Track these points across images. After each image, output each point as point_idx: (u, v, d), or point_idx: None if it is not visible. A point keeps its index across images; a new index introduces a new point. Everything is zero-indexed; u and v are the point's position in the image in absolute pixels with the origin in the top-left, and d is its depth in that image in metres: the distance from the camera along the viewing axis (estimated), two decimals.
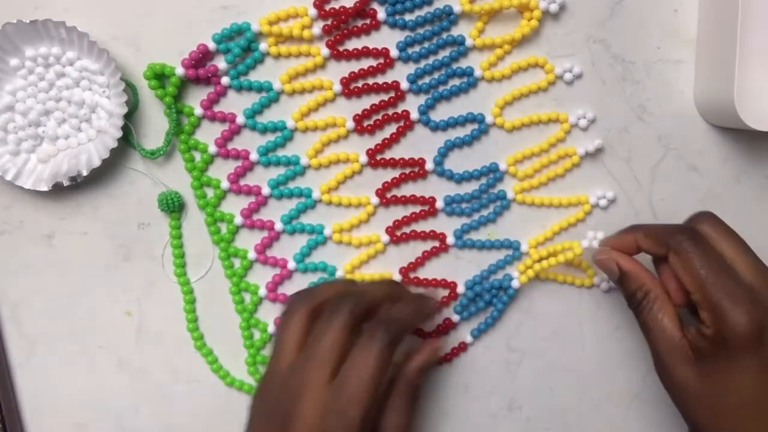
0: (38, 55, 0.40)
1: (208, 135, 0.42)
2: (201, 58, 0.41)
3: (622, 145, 0.44)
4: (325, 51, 0.41)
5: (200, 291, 0.44)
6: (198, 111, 0.41)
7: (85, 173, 0.40)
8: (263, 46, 0.41)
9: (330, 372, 0.34)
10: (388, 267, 0.44)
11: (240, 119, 0.42)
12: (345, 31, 0.41)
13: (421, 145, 0.43)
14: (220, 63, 0.41)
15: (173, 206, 0.42)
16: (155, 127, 0.42)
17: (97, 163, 0.40)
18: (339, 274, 0.44)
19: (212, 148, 0.42)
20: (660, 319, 0.37)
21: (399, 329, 0.36)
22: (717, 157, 0.45)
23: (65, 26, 0.39)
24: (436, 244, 0.44)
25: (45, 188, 0.40)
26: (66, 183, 0.40)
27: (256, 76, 0.42)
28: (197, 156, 0.42)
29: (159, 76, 0.40)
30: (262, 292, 0.44)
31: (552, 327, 0.46)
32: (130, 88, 0.41)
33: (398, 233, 0.44)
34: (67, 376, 0.44)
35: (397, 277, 0.44)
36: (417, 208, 0.44)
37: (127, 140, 0.41)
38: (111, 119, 0.40)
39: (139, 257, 0.43)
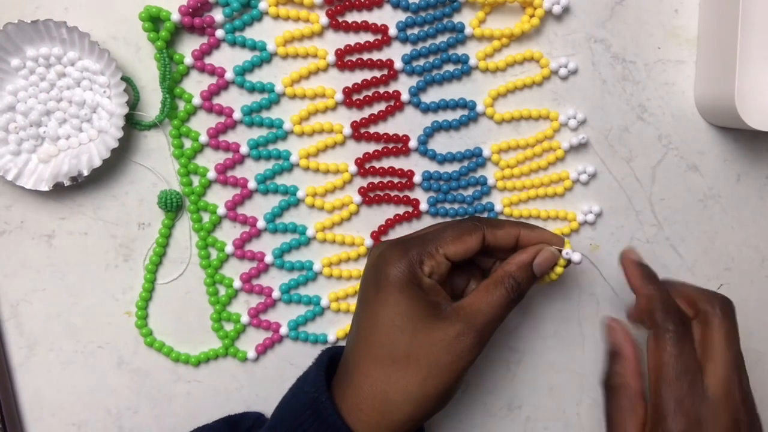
0: (39, 55, 0.40)
1: (201, 125, 0.42)
2: (199, 8, 0.41)
3: (622, 145, 0.44)
4: (324, 19, 0.41)
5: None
6: (188, 60, 0.41)
7: (85, 173, 0.40)
8: (263, 5, 0.41)
9: None
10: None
11: (229, 75, 0.42)
12: (347, 3, 0.41)
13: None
14: (218, 15, 0.41)
15: (171, 205, 0.42)
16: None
17: (97, 163, 0.40)
18: (316, 267, 0.44)
19: (203, 138, 0.42)
20: (625, 418, 0.37)
21: None
22: (717, 157, 0.45)
23: (66, 26, 0.39)
24: (409, 209, 0.44)
25: (46, 188, 0.40)
26: (67, 183, 0.40)
27: (252, 34, 0.42)
28: (187, 143, 0.42)
29: (154, 20, 0.40)
30: (237, 284, 0.44)
31: (552, 327, 0.46)
32: (131, 88, 0.41)
33: (371, 195, 0.44)
34: (67, 375, 0.44)
35: (369, 242, 0.44)
36: (395, 183, 0.44)
37: (132, 123, 0.42)
38: (112, 119, 0.40)
39: (139, 257, 0.43)
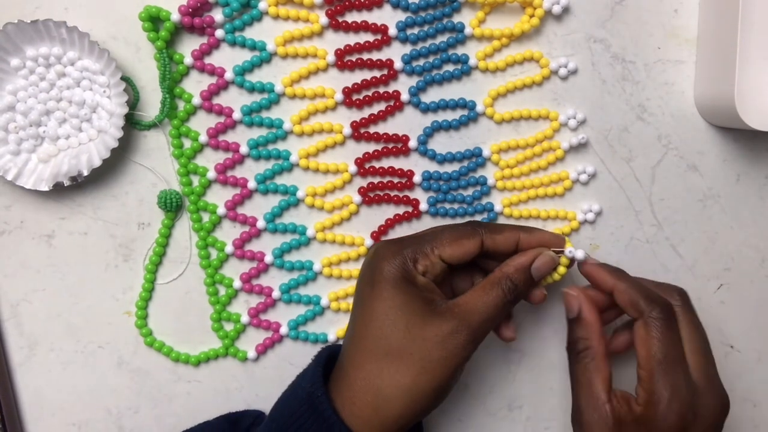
0: (39, 55, 0.40)
1: (201, 125, 0.42)
2: (198, 8, 0.41)
3: (621, 145, 0.44)
4: (324, 19, 0.41)
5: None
6: (188, 60, 0.41)
7: (85, 173, 0.40)
8: (263, 5, 0.41)
9: None
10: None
11: (229, 75, 0.42)
12: (347, 3, 0.41)
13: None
14: (217, 15, 0.41)
15: (171, 205, 0.42)
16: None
17: (97, 163, 0.40)
18: (316, 267, 0.44)
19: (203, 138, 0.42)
20: (591, 377, 0.37)
21: None
22: (717, 157, 0.45)
23: (66, 26, 0.39)
24: (409, 209, 0.44)
25: (45, 188, 0.40)
26: (66, 183, 0.40)
27: (252, 34, 0.42)
28: (187, 143, 0.42)
29: (154, 20, 0.40)
30: (237, 284, 0.44)
31: (552, 327, 0.46)
32: (131, 88, 0.41)
33: (371, 195, 0.44)
34: (67, 375, 0.44)
35: (369, 242, 0.44)
36: (395, 183, 0.44)
37: (132, 122, 0.42)
38: (111, 119, 0.40)
39: (139, 257, 0.43)
